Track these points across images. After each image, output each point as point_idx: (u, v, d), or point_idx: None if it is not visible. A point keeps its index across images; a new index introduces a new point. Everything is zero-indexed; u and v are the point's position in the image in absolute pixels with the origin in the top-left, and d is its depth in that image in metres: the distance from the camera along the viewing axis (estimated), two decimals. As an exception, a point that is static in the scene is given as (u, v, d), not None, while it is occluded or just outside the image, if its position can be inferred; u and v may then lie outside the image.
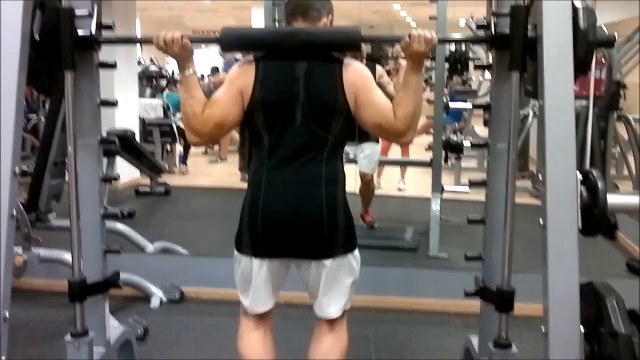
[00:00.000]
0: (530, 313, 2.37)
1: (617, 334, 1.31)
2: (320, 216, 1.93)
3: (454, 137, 5.12)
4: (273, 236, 1.96)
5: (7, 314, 1.52)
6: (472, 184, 2.11)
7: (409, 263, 4.50)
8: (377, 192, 5.56)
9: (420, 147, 4.94)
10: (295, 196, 1.94)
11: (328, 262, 1.98)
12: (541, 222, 1.39)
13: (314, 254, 1.98)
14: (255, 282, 2.01)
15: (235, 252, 2.04)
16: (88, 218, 2.12)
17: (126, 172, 6.59)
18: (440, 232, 4.73)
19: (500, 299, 2.04)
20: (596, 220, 1.35)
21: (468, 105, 6.78)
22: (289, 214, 1.94)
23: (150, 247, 4.27)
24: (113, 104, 2.21)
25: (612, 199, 1.36)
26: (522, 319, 2.43)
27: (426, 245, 4.74)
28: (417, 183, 7.17)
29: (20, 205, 3.52)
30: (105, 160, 4.50)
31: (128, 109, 7.10)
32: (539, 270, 1.43)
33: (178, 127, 7.71)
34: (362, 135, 3.69)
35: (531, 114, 6.74)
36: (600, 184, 1.34)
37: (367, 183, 5.20)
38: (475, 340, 2.30)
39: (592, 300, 1.37)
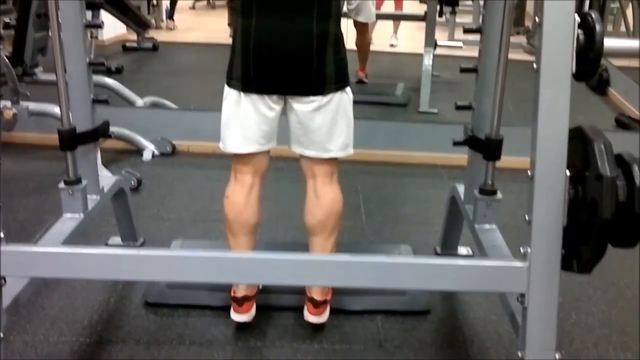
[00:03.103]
0: (517, 166, 2.41)
1: (602, 177, 1.32)
2: (310, 49, 1.86)
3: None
4: (263, 67, 1.89)
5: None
6: (467, 31, 2.06)
7: (399, 118, 4.52)
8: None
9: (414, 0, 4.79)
10: (287, 28, 1.87)
11: (318, 99, 1.92)
12: (535, 65, 1.37)
13: (303, 89, 1.92)
14: (242, 118, 1.95)
15: (225, 87, 1.98)
16: (74, 67, 2.08)
17: (112, 27, 6.39)
18: (432, 88, 4.71)
19: (488, 148, 2.08)
20: (590, 63, 1.33)
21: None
22: (279, 42, 1.87)
23: (140, 102, 4.24)
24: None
25: (609, 42, 1.33)
26: (507, 172, 2.49)
27: (417, 101, 4.73)
28: (410, 39, 7.03)
29: (6, 59, 3.44)
30: (89, 14, 4.35)
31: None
32: (527, 126, 1.44)
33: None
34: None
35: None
36: (598, 26, 1.31)
37: (362, 33, 5.07)
38: (461, 189, 2.36)
39: (579, 144, 1.38)
